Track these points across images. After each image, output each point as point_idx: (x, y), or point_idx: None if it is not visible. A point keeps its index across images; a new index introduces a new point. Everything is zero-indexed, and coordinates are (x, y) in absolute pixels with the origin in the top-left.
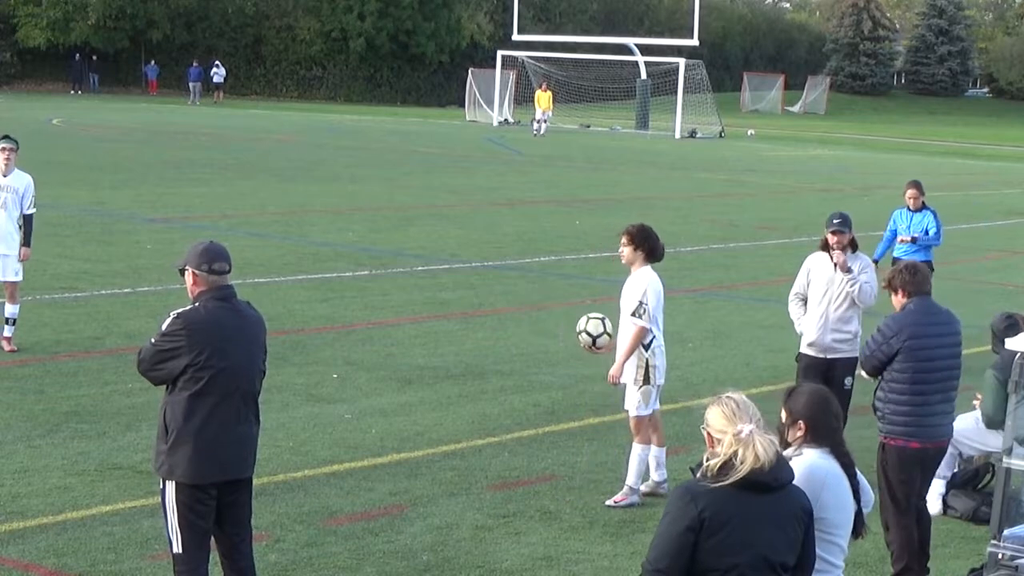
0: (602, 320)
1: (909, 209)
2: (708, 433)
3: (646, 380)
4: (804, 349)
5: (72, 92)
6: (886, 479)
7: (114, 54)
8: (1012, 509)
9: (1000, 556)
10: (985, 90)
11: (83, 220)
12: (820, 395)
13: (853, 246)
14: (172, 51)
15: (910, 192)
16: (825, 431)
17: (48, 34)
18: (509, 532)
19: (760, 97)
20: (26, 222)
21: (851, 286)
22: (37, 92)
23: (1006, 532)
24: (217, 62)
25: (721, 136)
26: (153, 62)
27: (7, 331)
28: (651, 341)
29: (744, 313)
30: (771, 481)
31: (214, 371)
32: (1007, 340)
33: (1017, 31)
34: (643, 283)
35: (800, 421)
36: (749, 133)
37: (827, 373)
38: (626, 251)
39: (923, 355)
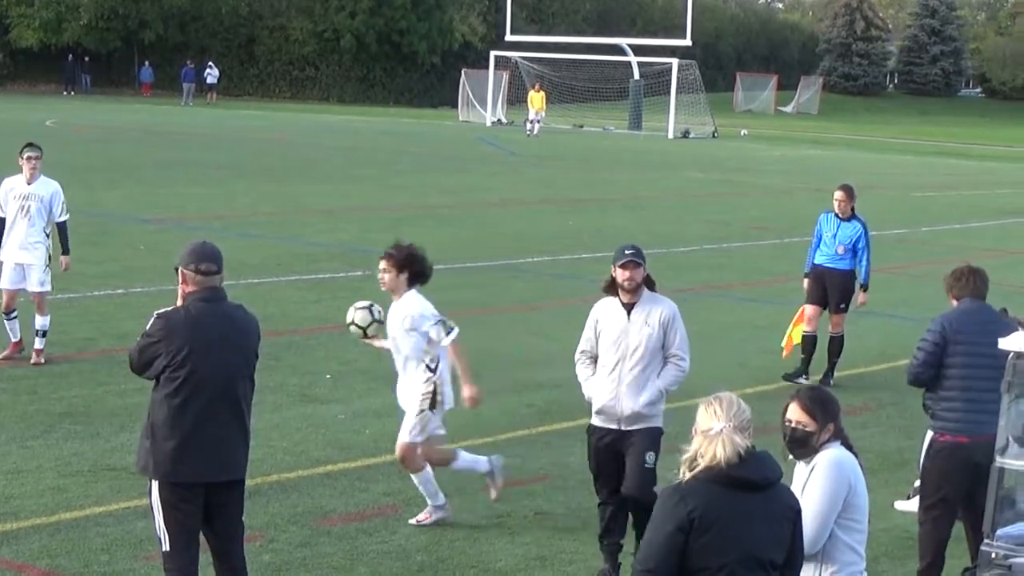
0: (369, 308)
1: (837, 216)
2: (694, 429)
3: (432, 405)
4: (594, 419)
5: (65, 93)
6: (926, 472)
7: (107, 55)
8: (1005, 508)
9: (993, 555)
10: (978, 90)
11: (76, 221)
12: (832, 396)
13: (649, 285)
14: (165, 52)
15: (839, 195)
16: (841, 428)
17: (40, 35)
18: (503, 532)
19: (753, 97)
20: (60, 230)
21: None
22: (30, 93)
23: (999, 532)
24: (210, 63)
25: (714, 136)
26: (147, 64)
27: (37, 343)
28: (438, 364)
29: (737, 313)
30: (759, 480)
31: (189, 372)
32: (1000, 340)
33: (1009, 31)
34: (416, 309)
35: (831, 424)
36: (742, 133)
37: (621, 446)
38: (387, 276)
39: (969, 350)
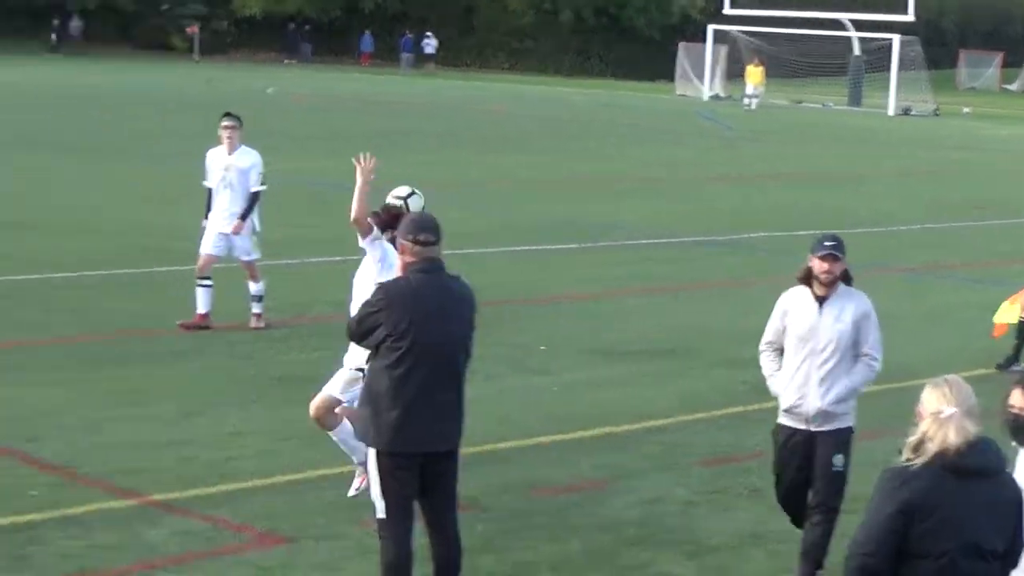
0: (412, 193)
1: None
2: (919, 411)
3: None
4: (781, 418)
5: (285, 61)
6: None
7: (327, 24)
8: None
9: None
10: None
11: (295, 188)
12: None
13: (846, 279)
14: (384, 21)
15: None
16: None
17: (263, 3)
18: (716, 508)
19: (977, 75)
20: (250, 197)
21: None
22: (251, 61)
23: None
24: (429, 32)
25: (936, 114)
26: (368, 33)
27: (255, 308)
28: None
29: (960, 294)
30: (984, 468)
31: (411, 343)
32: None
33: None
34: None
35: None
36: (964, 111)
37: (810, 448)
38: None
39: None
